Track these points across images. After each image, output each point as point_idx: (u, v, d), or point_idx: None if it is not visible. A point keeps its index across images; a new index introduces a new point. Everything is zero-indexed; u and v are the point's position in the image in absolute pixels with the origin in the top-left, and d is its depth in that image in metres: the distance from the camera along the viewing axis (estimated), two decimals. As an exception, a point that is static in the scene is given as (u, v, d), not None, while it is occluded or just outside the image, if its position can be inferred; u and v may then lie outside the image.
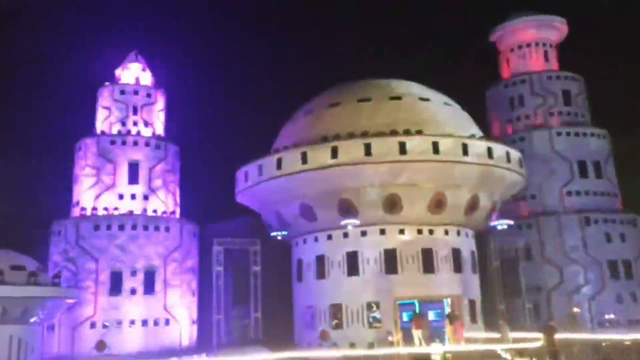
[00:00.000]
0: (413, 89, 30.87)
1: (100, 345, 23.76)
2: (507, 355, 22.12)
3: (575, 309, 32.13)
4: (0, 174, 37.62)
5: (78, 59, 51.14)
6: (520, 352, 20.60)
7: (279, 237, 30.48)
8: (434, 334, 24.79)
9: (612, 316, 32.68)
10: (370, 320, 27.32)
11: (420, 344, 23.04)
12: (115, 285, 29.50)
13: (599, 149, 37.34)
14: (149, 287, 30.03)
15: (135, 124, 33.87)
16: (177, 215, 33.29)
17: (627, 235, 35.08)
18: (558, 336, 19.36)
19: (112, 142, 32.58)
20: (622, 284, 34.13)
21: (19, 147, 37.83)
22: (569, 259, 34.41)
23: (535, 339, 19.56)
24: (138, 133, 33.40)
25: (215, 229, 33.76)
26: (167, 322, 30.00)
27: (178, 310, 30.40)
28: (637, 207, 36.20)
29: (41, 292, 23.89)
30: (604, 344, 17.92)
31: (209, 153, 42.96)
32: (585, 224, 34.76)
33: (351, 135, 27.10)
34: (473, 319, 28.49)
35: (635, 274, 34.43)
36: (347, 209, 27.36)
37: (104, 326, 28.79)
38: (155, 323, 29.62)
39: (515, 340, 21.92)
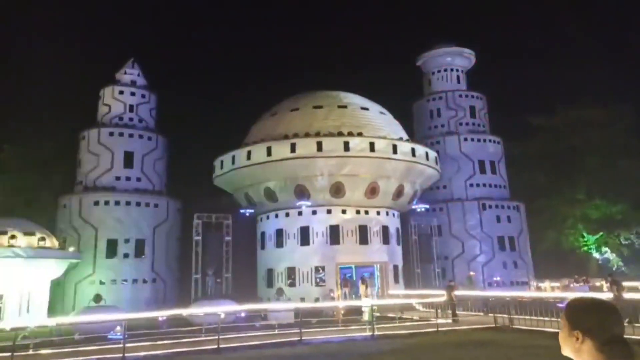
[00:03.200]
0: (356, 99, 31.08)
1: (97, 297, 23.11)
2: (419, 307, 22.61)
3: (472, 273, 33.06)
4: (12, 157, 35.60)
5: (83, 60, 48.67)
6: (429, 305, 21.00)
7: (247, 214, 30.28)
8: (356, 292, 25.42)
9: (498, 278, 33.67)
10: (317, 280, 27.63)
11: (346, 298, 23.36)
12: (111, 250, 28.66)
13: (494, 152, 38.58)
14: (139, 252, 29.32)
15: (131, 119, 32.73)
16: (165, 194, 32.51)
17: (512, 217, 36.49)
18: (457, 293, 20.01)
19: (111, 134, 31.42)
20: (507, 254, 35.49)
21: (25, 137, 35.82)
22: (469, 235, 35.53)
23: (441, 295, 20.10)
24: (133, 127, 32.31)
25: (197, 206, 33.15)
26: (154, 280, 29.39)
27: (163, 271, 29.85)
28: (521, 196, 37.66)
29: (48, 253, 22.98)
30: (491, 299, 18.72)
31: (195, 142, 42.00)
32: (482, 209, 35.97)
33: (307, 135, 27.13)
34: (396, 280, 29.18)
35: (517, 247, 35.89)
36: (302, 193, 27.44)
37: (101, 283, 28.00)
38: (144, 281, 28.98)
39: (426, 296, 22.48)
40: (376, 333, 15.13)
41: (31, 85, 40.26)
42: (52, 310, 24.71)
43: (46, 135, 35.61)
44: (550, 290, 27.70)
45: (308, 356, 12.37)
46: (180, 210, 32.48)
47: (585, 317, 1.68)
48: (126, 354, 12.41)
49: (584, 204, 36.94)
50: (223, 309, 16.81)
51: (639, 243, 36.72)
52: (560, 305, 16.57)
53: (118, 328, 15.08)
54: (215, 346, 13.36)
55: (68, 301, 27.31)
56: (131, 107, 32.89)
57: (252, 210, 30.02)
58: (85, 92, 35.53)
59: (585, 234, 38.35)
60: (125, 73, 34.03)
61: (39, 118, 36.58)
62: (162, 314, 15.81)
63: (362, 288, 24.46)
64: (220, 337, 13.79)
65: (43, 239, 22.92)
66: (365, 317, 17.82)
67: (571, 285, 28.19)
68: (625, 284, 23.66)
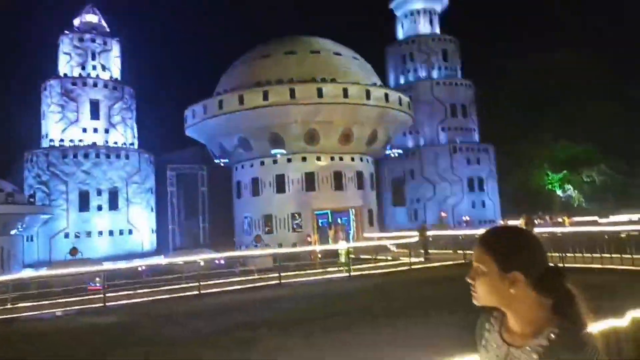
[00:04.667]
0: (329, 45, 30.21)
1: (73, 251, 22.87)
2: (393, 248, 23.29)
3: (443, 214, 34.18)
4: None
5: (38, 7, 45.25)
6: (403, 246, 21.58)
7: (222, 164, 29.92)
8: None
9: (467, 218, 34.89)
10: (294, 226, 28.02)
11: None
12: (84, 203, 28.11)
13: (466, 96, 38.79)
14: (113, 204, 28.85)
15: (94, 67, 31.06)
16: (136, 146, 31.62)
17: (482, 159, 37.41)
18: (429, 233, 20.67)
19: (74, 84, 29.85)
20: (476, 195, 36.68)
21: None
22: (441, 177, 36.35)
23: (414, 236, 20.68)
24: (97, 76, 30.74)
25: (170, 158, 32.56)
26: (130, 232, 29.20)
27: (139, 222, 29.62)
28: (491, 139, 38.35)
29: (17, 209, 22.38)
30: (460, 237, 19.46)
31: (163, 93, 40.42)
32: (453, 152, 36.64)
33: (279, 82, 26.44)
34: (371, 223, 29.86)
35: (485, 187, 37.08)
36: (276, 141, 27.14)
37: (76, 236, 27.65)
38: (121, 233, 28.77)
39: (400, 237, 23.08)
40: (352, 274, 15.61)
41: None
42: (28, 265, 24.44)
43: (6, 89, 33.62)
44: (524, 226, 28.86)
45: (288, 297, 12.74)
46: (153, 162, 31.80)
47: (518, 253, 1.33)
48: (107, 303, 12.49)
49: (550, 145, 38.00)
50: (202, 256, 16.94)
51: (599, 180, 38.36)
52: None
53: (97, 279, 15.08)
54: (197, 292, 13.57)
55: (43, 256, 26.99)
56: (93, 54, 31.11)
57: (226, 160, 29.64)
58: (45, 42, 33.32)
59: (549, 173, 39.74)
60: (83, 19, 31.88)
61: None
62: (141, 264, 15.84)
63: (330, 233, 24.91)
64: (201, 283, 13.97)
65: (11, 194, 22.21)
66: (342, 259, 18.31)
67: (535, 222, 29.46)
68: (587, 218, 24.87)
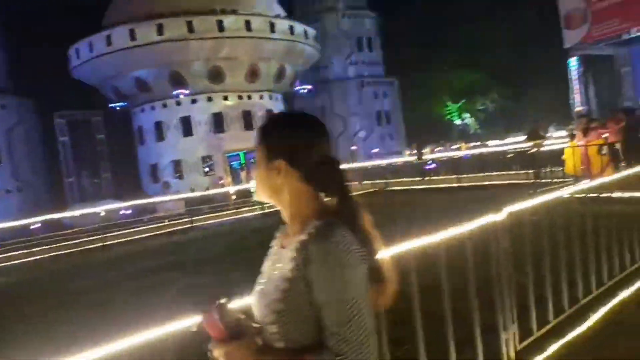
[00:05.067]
0: (227, -28, 28.07)
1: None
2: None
3: (353, 147, 35.18)
4: None
5: None
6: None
7: (118, 108, 27.61)
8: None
9: (377, 150, 36.37)
10: (206, 170, 27.26)
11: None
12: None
13: (371, 28, 38.91)
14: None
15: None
16: (11, 92, 27.79)
17: (388, 93, 38.59)
18: (341, 167, 21.30)
19: None
20: (384, 129, 38.14)
21: None
22: (351, 113, 37.08)
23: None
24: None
25: (56, 104, 29.19)
26: (19, 189, 26.41)
27: (29, 178, 26.81)
28: (396, 72, 39.22)
29: None
30: (369, 168, 20.35)
31: (39, 29, 34.85)
32: (361, 87, 37.25)
33: (174, 14, 24.30)
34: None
35: (391, 121, 38.59)
36: (178, 81, 25.48)
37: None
38: (8, 191, 25.92)
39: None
40: (266, 211, 15.74)
41: None
42: None
43: None
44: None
45: (201, 238, 12.57)
46: (37, 109, 28.37)
47: (288, 136, 1.16)
48: (-3, 265, 11.40)
49: (448, 74, 39.77)
50: (103, 208, 15.93)
51: (492, 107, 41.60)
52: (426, 167, 18.63)
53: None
54: (101, 244, 12.85)
55: None
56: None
57: (124, 104, 27.36)
58: None
59: (449, 103, 42.21)
60: None
61: None
62: (33, 220, 14.47)
63: (242, 174, 24.76)
64: (106, 235, 13.23)
65: None
66: (255, 197, 18.28)
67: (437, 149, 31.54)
68: (479, 143, 27.10)
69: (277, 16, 27.32)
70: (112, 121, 28.81)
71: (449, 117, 42.64)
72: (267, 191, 1.21)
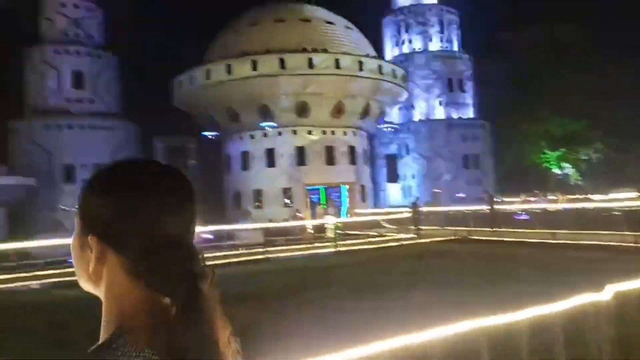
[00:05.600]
0: (320, 13, 29.36)
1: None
2: (385, 224, 23.18)
3: (437, 190, 33.95)
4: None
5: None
6: (394, 221, 21.54)
7: (211, 137, 29.41)
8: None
9: (462, 195, 34.84)
10: (285, 201, 27.74)
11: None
12: (69, 176, 27.61)
13: (463, 70, 38.07)
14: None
15: (77, 35, 30.05)
16: (121, 117, 30.87)
17: (478, 136, 36.97)
18: (422, 209, 20.52)
19: (56, 51, 28.91)
20: (471, 172, 36.36)
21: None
22: (435, 153, 35.95)
23: (406, 212, 20.59)
24: (80, 44, 29.77)
25: (156, 130, 31.90)
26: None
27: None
28: (487, 115, 37.80)
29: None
30: (450, 213, 19.30)
31: (148, 63, 38.77)
32: (448, 128, 36.14)
33: (268, 51, 25.70)
34: (363, 199, 29.64)
35: (480, 165, 36.79)
36: (266, 114, 26.62)
37: (63, 209, 27.22)
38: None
39: (392, 213, 22.99)
40: (340, 249, 15.42)
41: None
42: (13, 238, 24.09)
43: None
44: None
45: (270, 271, 12.53)
46: (139, 133, 31.14)
47: (104, 200, 0.73)
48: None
49: (546, 121, 37.58)
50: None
51: (596, 157, 38.13)
52: (517, 217, 17.22)
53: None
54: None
55: (31, 228, 26.61)
56: (76, 21, 30.04)
57: (216, 133, 29.11)
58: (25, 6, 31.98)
59: (547, 151, 39.48)
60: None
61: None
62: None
63: (318, 209, 24.75)
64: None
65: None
66: (329, 234, 18.09)
67: (530, 199, 29.28)
68: (581, 196, 24.74)
69: (367, 55, 27.73)
70: (204, 149, 30.70)
71: (546, 164, 39.74)
72: (82, 277, 0.76)
